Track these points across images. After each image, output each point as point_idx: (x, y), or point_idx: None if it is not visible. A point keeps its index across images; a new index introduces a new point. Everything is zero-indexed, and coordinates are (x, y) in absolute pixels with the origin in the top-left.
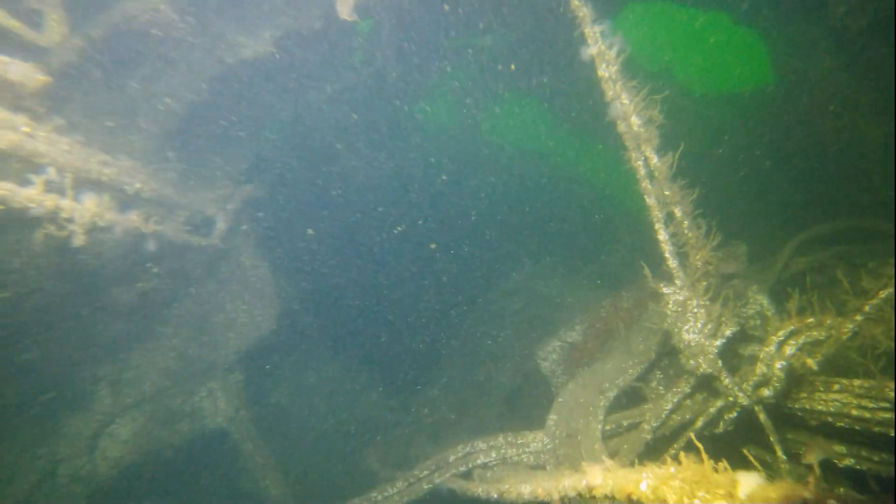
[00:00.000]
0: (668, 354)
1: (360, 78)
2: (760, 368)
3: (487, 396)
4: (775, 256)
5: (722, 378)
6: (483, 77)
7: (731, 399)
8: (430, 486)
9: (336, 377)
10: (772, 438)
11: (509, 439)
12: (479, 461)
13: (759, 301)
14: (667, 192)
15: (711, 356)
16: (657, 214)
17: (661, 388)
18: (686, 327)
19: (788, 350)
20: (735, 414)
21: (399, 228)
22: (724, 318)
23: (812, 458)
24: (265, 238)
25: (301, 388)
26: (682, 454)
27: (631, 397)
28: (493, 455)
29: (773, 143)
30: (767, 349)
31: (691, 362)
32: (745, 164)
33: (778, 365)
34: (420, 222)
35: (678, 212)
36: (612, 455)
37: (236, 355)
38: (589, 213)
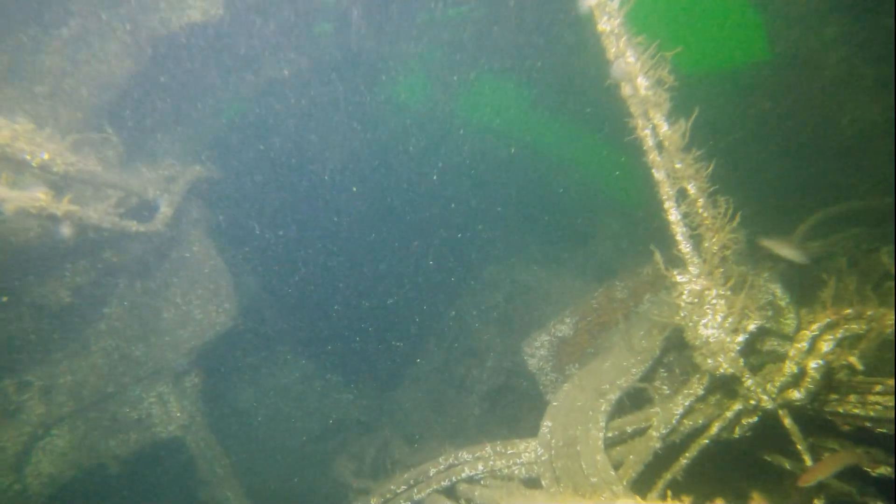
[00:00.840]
0: (673, 349)
1: (326, 50)
2: (790, 368)
3: (468, 395)
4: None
5: (744, 379)
6: (460, 52)
7: (752, 402)
8: (409, 503)
9: (304, 377)
10: (799, 447)
11: (498, 449)
12: (463, 474)
13: (772, 290)
14: (678, 166)
15: (733, 354)
16: (667, 191)
17: (665, 387)
18: (703, 321)
19: (825, 346)
20: (755, 419)
21: (371, 218)
22: (747, 311)
23: (820, 475)
24: (220, 225)
25: (266, 389)
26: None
27: (633, 399)
28: (480, 467)
29: (768, 123)
30: (799, 345)
31: (709, 361)
32: (740, 147)
33: (813, 364)
34: (393, 210)
35: (692, 188)
36: (617, 466)
37: (190, 356)
38: (574, 199)
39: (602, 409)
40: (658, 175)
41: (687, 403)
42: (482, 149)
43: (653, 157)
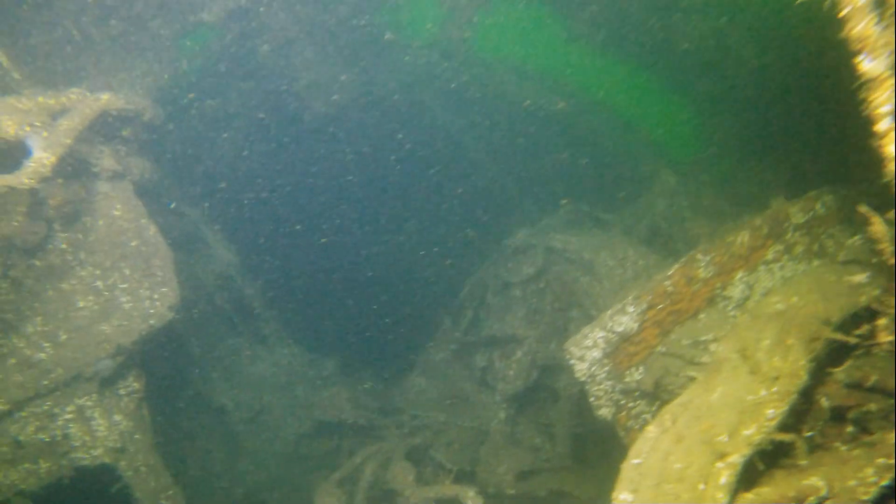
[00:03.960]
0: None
1: None
2: None
3: (489, 392)
4: None
5: None
6: None
7: None
8: None
9: (293, 365)
10: None
11: None
12: None
13: None
14: None
15: None
16: (889, 95)
17: (814, 433)
18: None
19: None
20: None
21: (372, 172)
22: None
23: None
24: (160, 184)
25: (243, 381)
26: None
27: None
28: None
29: None
30: None
31: None
32: None
33: None
34: (398, 163)
35: None
36: None
37: (117, 357)
38: (618, 148)
39: (722, 480)
40: (873, 64)
41: (885, 484)
42: (506, 91)
43: (865, 27)
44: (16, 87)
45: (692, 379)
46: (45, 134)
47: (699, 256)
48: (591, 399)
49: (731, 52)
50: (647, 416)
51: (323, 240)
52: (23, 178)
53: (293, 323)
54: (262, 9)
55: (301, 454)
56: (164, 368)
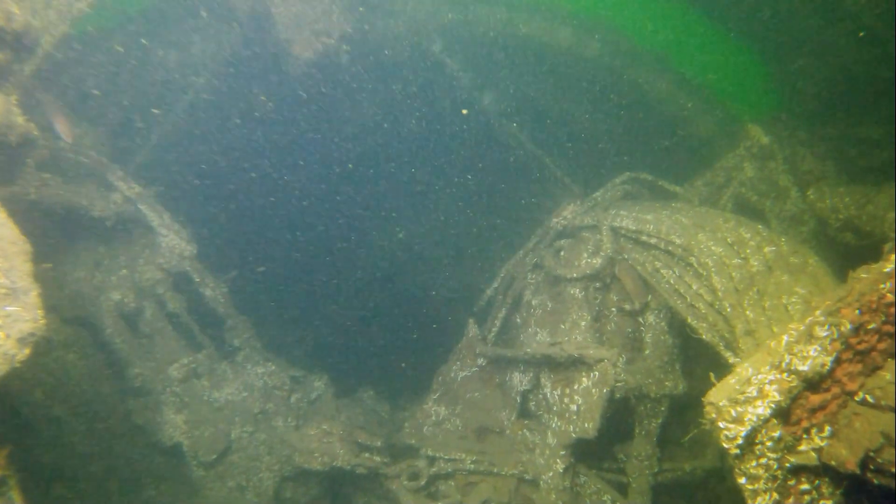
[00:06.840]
0: None
1: None
2: None
3: (534, 424)
4: None
5: None
6: None
7: None
8: None
9: (267, 389)
10: None
11: None
12: None
13: None
14: None
15: None
16: None
17: None
18: None
19: None
20: None
21: (365, 134)
22: None
23: None
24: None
25: (199, 417)
26: None
27: None
28: None
29: None
30: None
31: None
32: None
33: None
34: (397, 124)
35: None
36: None
37: None
38: (675, 104)
39: None
40: None
41: None
42: (532, 38)
43: None
44: None
45: None
46: None
47: None
48: (743, 481)
49: None
50: None
51: (306, 222)
52: None
53: (270, 331)
54: None
55: (283, 500)
56: (69, 409)
